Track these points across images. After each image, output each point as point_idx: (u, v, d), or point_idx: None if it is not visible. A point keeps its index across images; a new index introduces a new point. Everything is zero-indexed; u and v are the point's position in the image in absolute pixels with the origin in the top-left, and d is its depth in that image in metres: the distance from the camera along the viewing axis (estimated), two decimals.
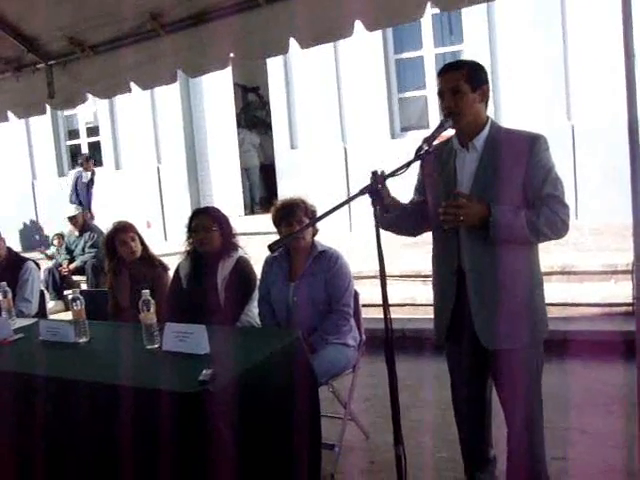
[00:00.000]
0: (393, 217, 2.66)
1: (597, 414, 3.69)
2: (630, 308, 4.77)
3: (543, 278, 2.69)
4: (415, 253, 6.57)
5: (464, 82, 2.52)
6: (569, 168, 7.94)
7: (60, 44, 4.16)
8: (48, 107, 4.54)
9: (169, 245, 8.42)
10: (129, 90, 4.11)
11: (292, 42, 3.39)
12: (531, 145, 2.51)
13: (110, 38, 4.01)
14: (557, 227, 2.50)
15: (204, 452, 2.25)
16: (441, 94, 2.57)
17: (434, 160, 2.67)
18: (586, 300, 5.50)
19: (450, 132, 2.62)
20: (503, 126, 2.65)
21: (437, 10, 3.18)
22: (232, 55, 3.60)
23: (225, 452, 2.26)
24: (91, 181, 10.19)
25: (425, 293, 5.93)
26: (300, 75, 9.76)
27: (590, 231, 7.07)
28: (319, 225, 3.53)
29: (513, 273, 2.54)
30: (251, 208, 11.33)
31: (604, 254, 6.29)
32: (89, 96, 4.36)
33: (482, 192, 2.51)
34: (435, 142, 2.44)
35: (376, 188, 2.19)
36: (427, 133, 2.44)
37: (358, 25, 3.19)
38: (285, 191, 8.47)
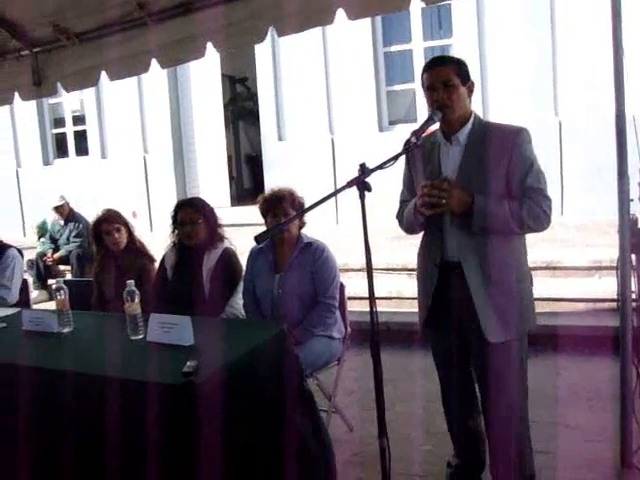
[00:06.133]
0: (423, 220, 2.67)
1: (580, 408, 3.72)
2: (614, 304, 4.81)
3: (531, 272, 2.71)
4: (401, 246, 6.57)
5: (455, 76, 2.54)
6: (555, 164, 7.99)
7: (45, 31, 4.11)
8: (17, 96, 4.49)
9: (155, 235, 8.38)
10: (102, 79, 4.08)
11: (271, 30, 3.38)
12: (514, 138, 2.53)
13: (96, 26, 3.97)
14: (539, 219, 2.53)
15: (189, 444, 2.24)
16: (431, 87, 2.57)
17: (415, 155, 2.69)
18: (571, 295, 5.53)
19: (436, 126, 2.63)
20: (485, 120, 2.68)
21: (423, 4, 3.17)
22: (211, 44, 3.57)
23: (210, 444, 2.25)
24: None
25: (411, 286, 5.89)
26: (288, 67, 9.73)
27: (575, 227, 7.12)
28: (306, 217, 3.53)
29: (499, 265, 2.55)
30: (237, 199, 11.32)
31: (589, 250, 6.33)
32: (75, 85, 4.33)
33: (466, 185, 2.53)
34: (423, 135, 2.44)
35: (363, 180, 2.19)
36: (415, 127, 2.45)
37: (340, 13, 3.17)
38: (272, 182, 8.46)
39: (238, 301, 3.71)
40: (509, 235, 2.57)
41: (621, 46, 2.89)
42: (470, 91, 2.61)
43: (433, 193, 2.49)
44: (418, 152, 2.70)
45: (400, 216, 2.86)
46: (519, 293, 2.60)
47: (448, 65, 2.57)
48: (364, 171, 2.19)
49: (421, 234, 2.80)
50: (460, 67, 2.59)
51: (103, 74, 4.04)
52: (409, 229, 2.82)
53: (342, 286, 3.64)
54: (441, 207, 2.51)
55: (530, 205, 2.50)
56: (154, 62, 3.82)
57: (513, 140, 2.53)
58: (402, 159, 2.34)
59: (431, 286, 2.69)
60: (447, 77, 2.53)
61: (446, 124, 2.62)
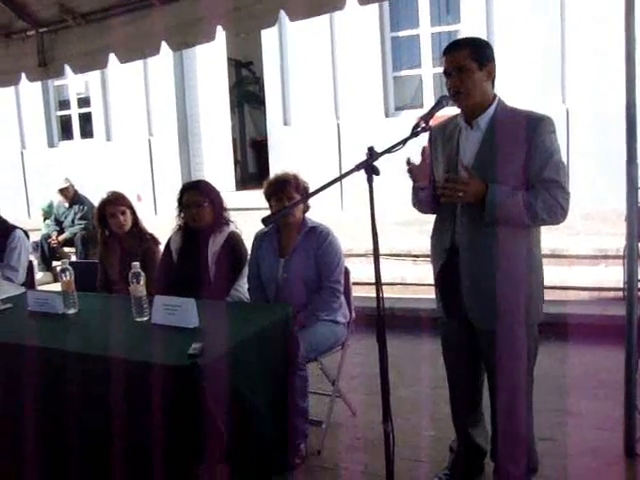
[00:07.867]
0: (427, 194, 2.65)
1: (583, 396, 3.71)
2: (619, 293, 4.80)
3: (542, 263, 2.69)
4: (406, 232, 6.57)
5: (470, 60, 2.47)
6: (562, 151, 7.92)
7: (51, 11, 4.08)
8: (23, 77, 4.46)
9: (159, 218, 8.37)
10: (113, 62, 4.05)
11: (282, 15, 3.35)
12: (534, 126, 2.47)
13: (102, 7, 3.93)
14: (555, 212, 2.47)
15: (193, 425, 2.25)
16: (446, 73, 2.53)
17: (437, 136, 2.66)
18: (576, 284, 5.52)
19: (447, 111, 2.59)
20: (510, 105, 2.60)
21: None
22: (220, 28, 3.53)
23: (215, 425, 2.25)
24: None
25: (415, 273, 5.94)
26: (294, 51, 9.67)
27: (581, 215, 7.09)
28: (310, 202, 3.52)
29: (508, 255, 2.51)
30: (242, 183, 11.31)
31: (594, 238, 6.31)
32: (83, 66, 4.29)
33: (483, 171, 2.49)
34: (431, 121, 2.40)
35: (372, 164, 2.17)
36: (422, 113, 2.41)
37: None
38: (277, 167, 8.44)
39: (243, 285, 3.71)
40: (521, 227, 2.52)
41: (633, 33, 2.86)
42: (489, 74, 2.53)
43: (449, 186, 2.46)
44: (440, 134, 2.67)
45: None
46: (527, 284, 2.56)
47: (463, 49, 2.50)
48: (372, 155, 2.18)
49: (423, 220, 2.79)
50: (477, 50, 2.50)
51: (113, 56, 4.01)
52: (420, 209, 2.81)
53: (347, 271, 3.63)
54: (457, 199, 2.49)
55: (545, 197, 2.44)
56: (164, 45, 3.79)
57: (533, 128, 2.46)
58: (409, 145, 2.31)
59: (438, 270, 2.69)
60: (461, 62, 2.48)
61: (465, 109, 2.58)
